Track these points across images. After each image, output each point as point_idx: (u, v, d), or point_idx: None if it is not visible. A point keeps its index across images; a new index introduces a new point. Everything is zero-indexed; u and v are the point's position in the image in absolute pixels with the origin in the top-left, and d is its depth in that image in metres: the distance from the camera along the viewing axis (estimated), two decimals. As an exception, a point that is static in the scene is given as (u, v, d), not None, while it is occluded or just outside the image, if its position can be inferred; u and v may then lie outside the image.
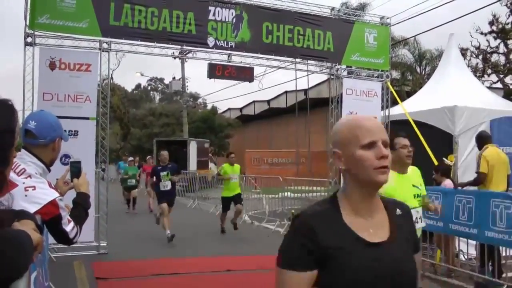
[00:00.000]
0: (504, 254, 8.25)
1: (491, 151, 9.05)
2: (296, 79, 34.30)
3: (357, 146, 2.01)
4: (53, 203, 2.88)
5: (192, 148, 33.70)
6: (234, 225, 14.17)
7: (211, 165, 36.92)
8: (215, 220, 18.20)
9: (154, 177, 13.42)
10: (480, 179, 8.80)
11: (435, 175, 10.01)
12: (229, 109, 56.39)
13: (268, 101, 46.93)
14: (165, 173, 13.07)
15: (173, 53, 12.17)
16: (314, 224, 1.98)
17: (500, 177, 8.95)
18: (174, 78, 43.94)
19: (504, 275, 8.15)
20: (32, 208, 2.71)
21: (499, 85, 26.12)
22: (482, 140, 9.27)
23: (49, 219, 2.87)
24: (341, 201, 2.08)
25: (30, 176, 2.94)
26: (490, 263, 8.43)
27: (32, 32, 10.19)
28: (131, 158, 22.91)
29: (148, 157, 24.03)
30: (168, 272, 9.26)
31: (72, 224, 3.02)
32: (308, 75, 31.01)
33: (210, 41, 11.60)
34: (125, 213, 19.02)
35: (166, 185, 13.08)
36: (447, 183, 9.65)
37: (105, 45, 10.88)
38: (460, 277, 9.00)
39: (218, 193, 22.73)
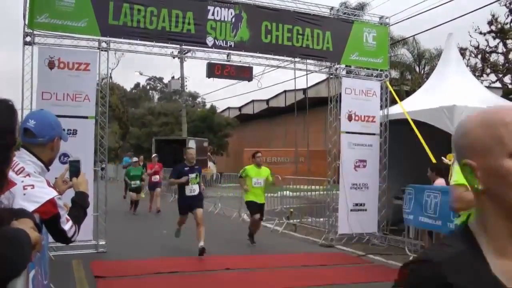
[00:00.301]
0: None
1: None
2: (295, 78, 34.32)
3: (503, 154, 1.31)
4: (51, 202, 2.89)
5: (191, 147, 33.67)
6: (252, 238, 12.51)
7: (209, 164, 36.93)
8: (214, 218, 18.24)
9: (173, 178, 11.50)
10: None
11: (429, 173, 10.15)
12: (228, 108, 56.37)
13: (267, 101, 46.97)
14: (194, 175, 11.06)
15: (172, 52, 12.17)
16: (451, 278, 1.27)
17: None
18: (173, 77, 43.91)
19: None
20: (30, 207, 2.72)
21: (498, 84, 26.16)
22: None
23: (48, 218, 2.87)
24: (479, 237, 1.36)
25: (28, 174, 2.94)
26: None
27: (31, 31, 10.20)
28: (135, 159, 21.12)
29: (153, 155, 21.61)
30: (166, 271, 9.26)
31: (70, 223, 3.02)
32: (307, 74, 30.97)
33: (209, 40, 11.60)
34: (124, 212, 18.61)
35: (193, 189, 11.06)
36: (440, 182, 9.86)
37: (104, 45, 10.89)
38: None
39: (216, 192, 22.76)
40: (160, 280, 8.74)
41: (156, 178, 19.35)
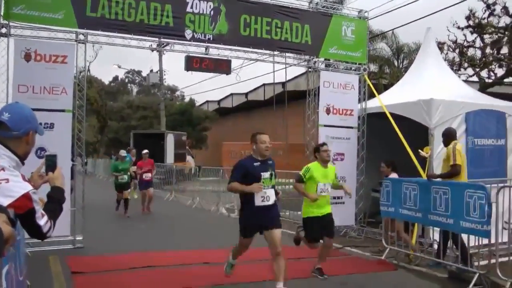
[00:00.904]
0: (476, 243, 8.46)
1: (460, 146, 9.33)
2: (274, 71, 34.34)
3: None
4: (26, 196, 2.85)
5: (170, 140, 33.65)
6: (320, 271, 8.77)
7: (188, 157, 36.87)
8: (192, 212, 18.22)
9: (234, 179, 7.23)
10: (457, 171, 8.97)
11: (384, 168, 10.43)
12: (207, 101, 56.40)
13: (246, 94, 46.98)
14: (268, 174, 7.24)
15: (151, 45, 12.06)
16: None
17: (465, 171, 9.38)
18: (151, 70, 43.87)
19: (476, 263, 8.37)
20: (4, 201, 2.68)
21: (475, 78, 26.51)
22: (450, 137, 9.50)
23: (23, 212, 2.83)
24: None
25: (3, 169, 2.90)
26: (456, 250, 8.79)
27: (7, 22, 10.03)
28: (123, 153, 17.92)
29: (144, 151, 18.26)
30: (145, 265, 9.23)
31: (45, 218, 2.98)
32: (286, 68, 31.04)
33: (188, 33, 11.52)
34: (102, 207, 17.83)
35: (267, 196, 7.17)
36: (394, 176, 10.35)
37: (81, 37, 10.76)
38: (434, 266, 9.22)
39: (195, 186, 22.65)
40: (138, 275, 8.69)
41: (147, 176, 17.59)
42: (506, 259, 7.99)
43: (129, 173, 17.28)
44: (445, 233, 8.90)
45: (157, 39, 11.59)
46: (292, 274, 8.78)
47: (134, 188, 20.01)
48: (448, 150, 9.22)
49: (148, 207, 17.55)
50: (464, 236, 8.62)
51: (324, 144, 9.05)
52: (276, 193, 7.39)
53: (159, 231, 13.59)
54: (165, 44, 11.97)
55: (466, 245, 8.54)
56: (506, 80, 26.80)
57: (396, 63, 31.56)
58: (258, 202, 7.09)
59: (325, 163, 8.70)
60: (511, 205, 8.25)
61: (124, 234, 13.06)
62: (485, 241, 8.14)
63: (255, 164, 7.22)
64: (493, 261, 7.96)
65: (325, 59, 13.44)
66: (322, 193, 8.46)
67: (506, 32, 24.35)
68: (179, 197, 22.42)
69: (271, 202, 7.18)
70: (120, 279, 8.47)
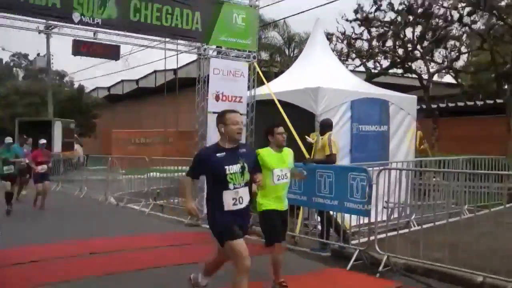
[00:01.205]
0: (359, 222, 9.03)
1: (335, 137, 9.94)
2: (165, 58, 34.12)
3: None
4: None
5: (57, 129, 32.59)
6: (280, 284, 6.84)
7: (76, 146, 35.89)
8: (80, 203, 17.82)
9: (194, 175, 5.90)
10: (334, 160, 9.58)
11: None
12: (97, 88, 55.12)
13: (137, 81, 46.40)
14: (237, 167, 5.56)
15: (38, 27, 11.57)
16: None
17: (338, 160, 10.11)
18: (38, 54, 42.23)
19: (357, 241, 8.89)
20: None
21: (362, 68, 27.92)
22: (327, 127, 10.05)
23: None
24: None
25: None
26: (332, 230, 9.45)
27: None
28: (8, 140, 15.69)
29: (42, 141, 16.58)
30: (29, 260, 8.72)
31: None
32: (177, 54, 30.93)
33: (76, 16, 11.13)
34: None
35: (240, 197, 5.58)
36: None
37: (-42, 15, 10.16)
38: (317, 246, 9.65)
39: (82, 175, 22.03)
40: (20, 270, 8.20)
41: (44, 168, 15.95)
42: (383, 235, 8.51)
43: (17, 165, 15.66)
44: (327, 214, 9.33)
45: (44, 21, 11.13)
46: (178, 259, 8.84)
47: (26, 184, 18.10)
48: (324, 141, 9.75)
49: (43, 203, 15.65)
50: (347, 216, 9.13)
51: (278, 125, 7.44)
52: (251, 194, 5.83)
53: (45, 224, 13.16)
54: (52, 26, 11.54)
55: (346, 224, 9.16)
56: (390, 70, 28.45)
57: (287, 52, 32.28)
58: (228, 206, 5.52)
59: (280, 148, 7.29)
60: (390, 185, 8.74)
61: (7, 228, 12.41)
62: (366, 219, 8.64)
63: (218, 155, 5.55)
64: (372, 238, 8.46)
65: (217, 47, 13.52)
66: (280, 180, 6.99)
67: (391, 27, 25.82)
68: (66, 187, 21.85)
69: (244, 204, 5.61)
70: (2, 275, 8.06)
